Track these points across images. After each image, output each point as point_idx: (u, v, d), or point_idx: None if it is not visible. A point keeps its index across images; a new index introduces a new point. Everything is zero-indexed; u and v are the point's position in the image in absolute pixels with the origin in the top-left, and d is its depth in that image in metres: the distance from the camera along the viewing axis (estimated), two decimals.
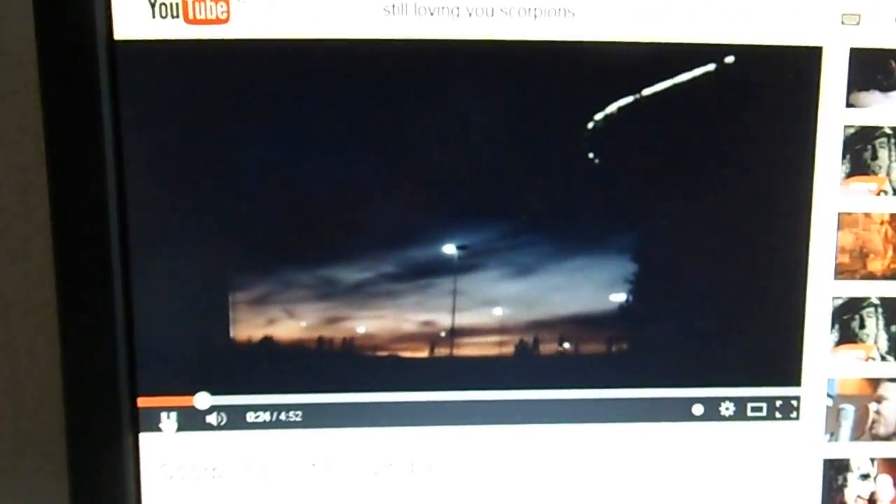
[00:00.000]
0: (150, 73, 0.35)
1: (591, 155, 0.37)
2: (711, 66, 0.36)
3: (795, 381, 0.39)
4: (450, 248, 0.37)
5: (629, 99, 0.36)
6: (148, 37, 0.35)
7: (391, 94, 0.36)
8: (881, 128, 0.38)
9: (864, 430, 0.40)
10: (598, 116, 0.36)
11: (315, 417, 0.38)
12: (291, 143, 0.36)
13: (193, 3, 0.35)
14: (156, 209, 0.36)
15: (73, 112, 0.35)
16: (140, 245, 0.36)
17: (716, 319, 0.38)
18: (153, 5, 0.35)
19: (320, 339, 0.37)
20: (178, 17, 0.35)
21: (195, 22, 0.35)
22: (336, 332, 0.37)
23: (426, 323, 0.37)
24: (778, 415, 0.39)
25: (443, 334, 0.37)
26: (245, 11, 0.35)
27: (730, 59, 0.36)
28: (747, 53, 0.36)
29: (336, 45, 0.35)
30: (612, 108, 0.36)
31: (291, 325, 0.37)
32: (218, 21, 0.35)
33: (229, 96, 0.35)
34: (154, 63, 0.35)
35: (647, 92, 0.36)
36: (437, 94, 0.36)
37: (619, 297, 0.38)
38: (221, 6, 0.35)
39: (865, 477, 0.40)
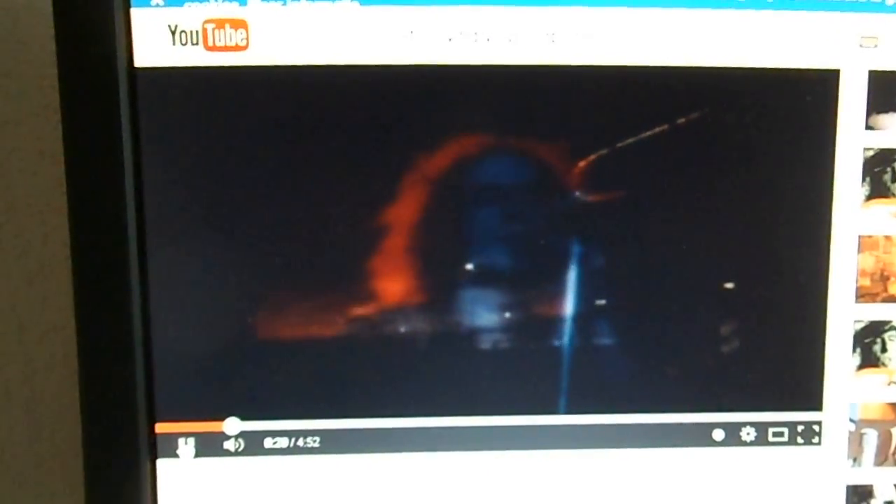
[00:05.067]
0: (170, 100, 0.35)
1: (609, 179, 0.37)
2: (729, 90, 0.36)
3: (817, 405, 0.39)
4: (468, 272, 0.37)
5: (646, 124, 0.36)
6: (168, 64, 0.35)
7: (411, 119, 0.36)
8: None
9: (887, 455, 0.39)
10: (617, 141, 0.36)
11: (333, 443, 0.38)
12: (311, 168, 0.36)
13: (213, 31, 0.35)
14: (174, 233, 0.36)
15: (93, 138, 0.35)
16: (159, 269, 0.36)
17: (736, 344, 0.38)
18: (173, 33, 0.35)
19: (345, 361, 0.37)
20: (197, 44, 0.35)
21: (215, 49, 0.35)
22: (358, 354, 0.37)
23: (444, 348, 0.37)
24: (800, 440, 0.39)
25: (461, 360, 0.37)
26: (264, 38, 0.35)
27: (748, 83, 0.36)
28: (766, 77, 0.36)
29: (355, 70, 0.35)
30: (630, 132, 0.36)
31: (318, 345, 0.37)
32: (238, 48, 0.35)
33: (249, 122, 0.36)
34: (174, 90, 0.35)
35: (664, 116, 0.36)
36: (457, 118, 0.36)
37: (638, 323, 0.37)
38: (241, 33, 0.35)
39: (889, 503, 0.40)
